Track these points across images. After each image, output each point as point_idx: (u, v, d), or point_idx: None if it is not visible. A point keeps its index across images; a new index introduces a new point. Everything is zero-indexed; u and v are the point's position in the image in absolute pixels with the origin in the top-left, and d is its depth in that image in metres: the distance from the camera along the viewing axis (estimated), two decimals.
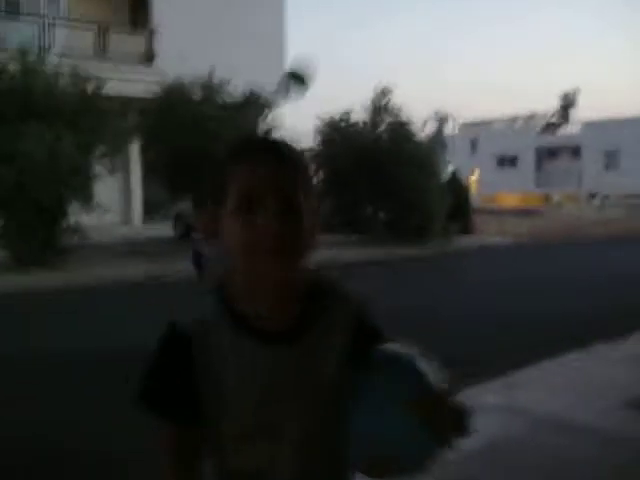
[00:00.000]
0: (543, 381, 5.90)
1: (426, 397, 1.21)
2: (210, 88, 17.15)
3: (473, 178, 49.12)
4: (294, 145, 1.34)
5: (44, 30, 19.68)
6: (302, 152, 1.40)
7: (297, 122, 24.28)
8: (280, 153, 1.27)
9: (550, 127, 57.05)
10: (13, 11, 20.58)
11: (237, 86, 17.12)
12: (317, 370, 1.28)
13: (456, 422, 1.23)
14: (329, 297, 1.35)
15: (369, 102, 19.99)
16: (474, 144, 57.41)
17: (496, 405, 5.12)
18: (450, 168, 25.38)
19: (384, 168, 17.90)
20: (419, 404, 1.20)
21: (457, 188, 20.30)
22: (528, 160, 54.87)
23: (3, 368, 6.62)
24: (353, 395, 1.26)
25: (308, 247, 1.26)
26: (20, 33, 18.34)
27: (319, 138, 20.05)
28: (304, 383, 1.27)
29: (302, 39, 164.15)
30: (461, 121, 62.00)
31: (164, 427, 1.27)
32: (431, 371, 1.25)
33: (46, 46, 18.74)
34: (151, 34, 21.33)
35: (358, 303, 1.39)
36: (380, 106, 19.83)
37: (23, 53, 13.81)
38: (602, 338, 7.14)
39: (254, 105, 17.60)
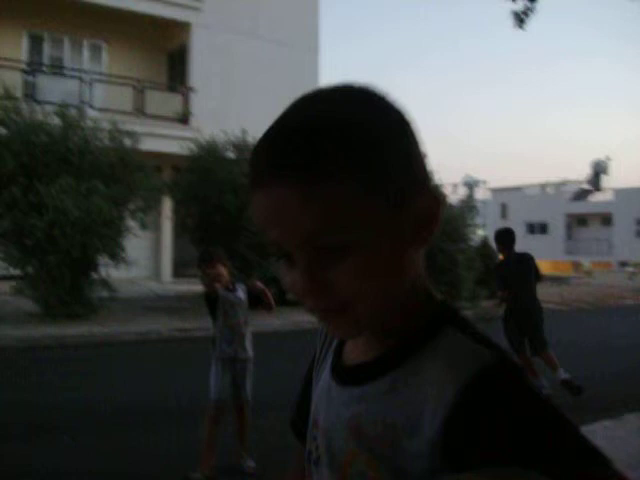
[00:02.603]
0: None
1: None
2: (244, 148, 17.24)
3: None
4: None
5: (85, 86, 20.17)
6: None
7: None
8: (282, 160, 0.74)
9: (581, 194, 56.86)
10: (57, 65, 21.24)
11: None
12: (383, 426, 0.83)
13: None
14: (438, 348, 0.82)
15: None
16: (504, 209, 57.32)
17: None
18: (481, 233, 25.25)
19: None
20: None
21: (487, 253, 20.17)
22: (558, 227, 54.59)
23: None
24: None
25: (394, 284, 0.82)
26: (62, 88, 18.85)
27: None
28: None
29: None
30: (492, 186, 62.14)
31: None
32: None
33: (86, 101, 19.18)
34: (187, 93, 21.77)
35: (475, 386, 0.74)
36: None
37: (64, 108, 14.11)
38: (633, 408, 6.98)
39: None
